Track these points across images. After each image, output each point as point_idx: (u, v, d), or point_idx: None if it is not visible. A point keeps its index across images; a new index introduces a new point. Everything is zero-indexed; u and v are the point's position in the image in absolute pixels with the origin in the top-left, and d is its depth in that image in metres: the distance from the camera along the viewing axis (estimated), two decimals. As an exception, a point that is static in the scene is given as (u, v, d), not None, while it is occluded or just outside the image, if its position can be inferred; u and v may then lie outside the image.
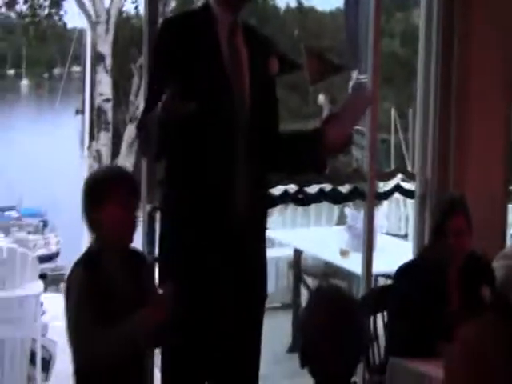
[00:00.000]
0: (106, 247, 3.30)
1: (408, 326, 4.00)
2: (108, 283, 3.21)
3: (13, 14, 15.12)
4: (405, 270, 4.37)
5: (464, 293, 4.14)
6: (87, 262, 3.25)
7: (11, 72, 42.70)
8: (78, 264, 3.27)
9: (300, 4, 18.84)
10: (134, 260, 3.48)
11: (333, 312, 2.86)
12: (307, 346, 2.86)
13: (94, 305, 3.07)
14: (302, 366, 2.86)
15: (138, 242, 3.85)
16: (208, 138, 3.52)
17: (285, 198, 5.93)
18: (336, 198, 6.22)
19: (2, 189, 17.88)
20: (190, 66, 3.56)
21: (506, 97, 5.78)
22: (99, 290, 3.13)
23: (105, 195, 3.25)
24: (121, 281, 3.28)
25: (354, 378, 2.91)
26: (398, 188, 6.37)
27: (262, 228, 3.87)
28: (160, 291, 3.36)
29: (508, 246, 4.68)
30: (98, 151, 14.41)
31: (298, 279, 8.03)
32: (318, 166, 3.87)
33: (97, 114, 14.51)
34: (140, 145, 4.30)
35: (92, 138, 14.60)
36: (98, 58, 14.54)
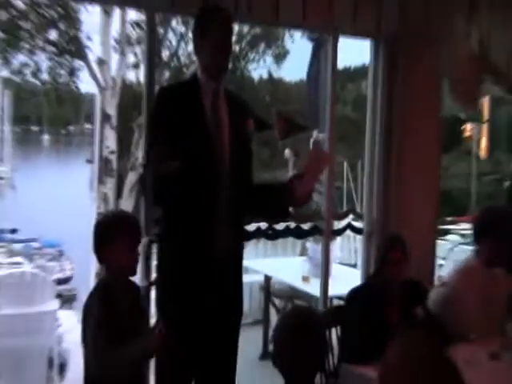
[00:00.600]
0: (113, 277, 3.34)
1: (357, 339, 4.03)
2: (117, 307, 3.24)
3: (37, 81, 15.12)
4: (355, 293, 4.38)
5: (401, 311, 4.16)
6: (100, 291, 3.29)
7: (35, 128, 42.81)
8: (93, 293, 3.32)
9: (270, 75, 18.87)
10: (133, 286, 3.54)
11: (298, 327, 2.89)
12: (279, 354, 2.88)
13: (107, 325, 3.10)
14: (275, 366, 2.87)
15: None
16: (195, 186, 3.51)
17: (257, 233, 5.96)
18: (299, 234, 6.25)
19: (27, 224, 17.80)
20: (179, 127, 3.58)
21: (437, 152, 5.85)
22: (111, 313, 3.16)
23: (113, 236, 3.30)
24: (126, 304, 3.32)
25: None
26: (349, 226, 6.41)
27: (240, 258, 3.88)
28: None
29: (446, 276, 4.66)
30: (104, 194, 14.34)
31: (267, 300, 8.02)
32: (284, 214, 3.94)
33: (104, 163, 14.47)
34: (143, 193, 4.33)
35: (100, 182, 14.56)
36: (105, 117, 14.50)
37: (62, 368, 6.58)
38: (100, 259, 3.37)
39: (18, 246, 17.14)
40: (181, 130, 3.58)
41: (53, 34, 14.34)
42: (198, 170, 3.49)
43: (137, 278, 3.83)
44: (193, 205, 3.55)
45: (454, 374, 1.90)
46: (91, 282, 13.06)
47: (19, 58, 14.41)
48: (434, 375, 1.90)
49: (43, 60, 14.51)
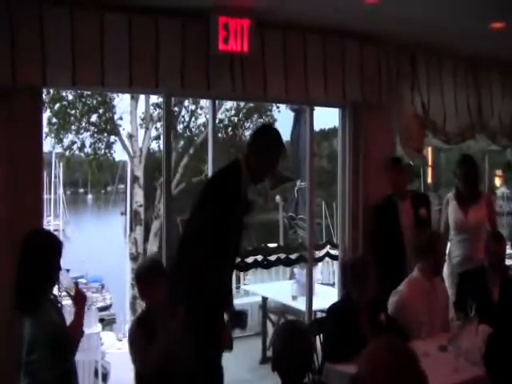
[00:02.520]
0: (150, 308, 3.53)
1: (336, 343, 3.92)
2: (153, 327, 3.35)
3: (82, 154, 15.32)
4: (333, 308, 4.27)
5: (370, 319, 4.05)
6: (141, 320, 3.51)
7: (81, 190, 43.67)
8: (136, 320, 3.57)
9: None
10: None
11: (292, 335, 2.83)
12: (277, 357, 2.80)
13: (146, 341, 3.28)
14: (273, 370, 2.79)
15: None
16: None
17: (255, 264, 5.89)
18: (288, 263, 6.20)
19: (76, 264, 17.93)
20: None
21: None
22: (148, 334, 3.30)
23: (147, 280, 3.50)
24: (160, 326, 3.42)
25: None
26: (327, 254, 6.34)
27: None
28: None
29: (398, 288, 4.57)
30: (135, 238, 14.35)
31: (264, 316, 7.88)
32: None
33: (134, 214, 14.51)
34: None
35: (131, 230, 14.59)
36: (134, 179, 14.57)
37: (105, 377, 6.55)
38: (140, 295, 3.57)
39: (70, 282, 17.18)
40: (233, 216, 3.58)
41: (93, 117, 14.55)
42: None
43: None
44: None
45: (415, 363, 1.88)
46: (126, 309, 13.05)
47: (69, 137, 14.64)
48: (401, 365, 1.87)
49: (87, 137, 14.70)
